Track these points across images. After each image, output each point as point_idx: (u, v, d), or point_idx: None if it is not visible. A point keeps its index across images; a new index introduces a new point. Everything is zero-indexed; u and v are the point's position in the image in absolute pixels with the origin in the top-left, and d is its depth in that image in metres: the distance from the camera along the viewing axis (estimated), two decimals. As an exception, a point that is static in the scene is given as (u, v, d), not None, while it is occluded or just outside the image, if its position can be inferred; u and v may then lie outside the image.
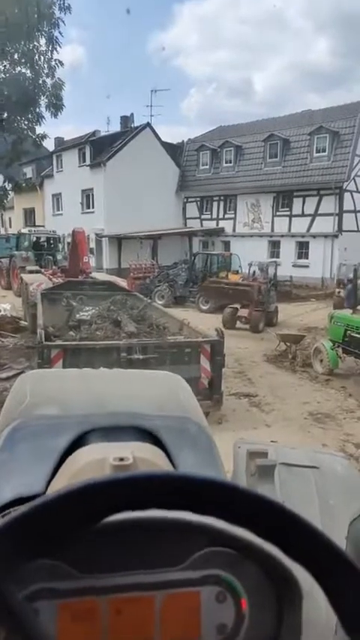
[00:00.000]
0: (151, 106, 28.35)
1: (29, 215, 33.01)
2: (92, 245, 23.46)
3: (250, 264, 17.05)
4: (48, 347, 5.94)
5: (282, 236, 24.14)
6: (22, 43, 11.15)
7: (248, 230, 25.45)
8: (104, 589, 0.57)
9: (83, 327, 7.28)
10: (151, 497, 0.40)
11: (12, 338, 10.52)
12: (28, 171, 30.32)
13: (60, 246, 21.77)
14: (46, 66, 11.53)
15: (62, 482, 0.67)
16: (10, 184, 13.91)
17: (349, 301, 14.47)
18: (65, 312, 8.10)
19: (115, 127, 28.96)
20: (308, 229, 23.21)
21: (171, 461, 0.78)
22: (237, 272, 18.44)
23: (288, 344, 10.32)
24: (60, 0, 10.96)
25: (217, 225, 26.67)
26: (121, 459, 0.62)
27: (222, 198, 26.60)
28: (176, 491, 0.41)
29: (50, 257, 19.98)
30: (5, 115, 11.90)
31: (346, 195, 22.29)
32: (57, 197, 30.50)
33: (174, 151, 28.11)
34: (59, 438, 0.80)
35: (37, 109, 11.86)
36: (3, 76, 11.71)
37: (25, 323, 11.41)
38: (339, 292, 16.91)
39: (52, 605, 0.56)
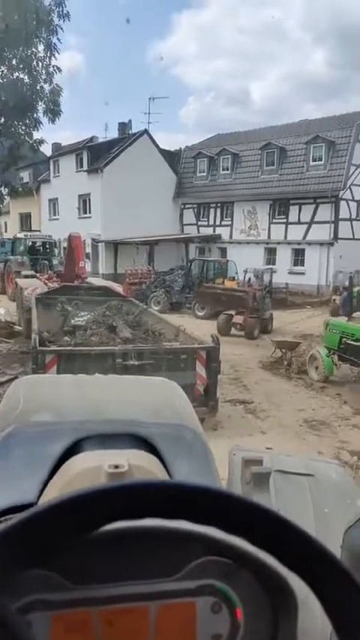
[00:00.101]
0: (149, 113, 28.39)
1: (25, 220, 32.98)
2: (88, 250, 23.46)
3: (246, 271, 17.10)
4: (42, 352, 5.91)
5: (278, 243, 24.24)
6: (21, 48, 11.24)
7: (245, 237, 25.55)
8: (98, 600, 0.56)
9: (78, 333, 7.25)
10: (146, 506, 0.40)
11: (6, 343, 10.45)
12: (25, 175, 30.36)
13: (56, 250, 21.80)
14: (44, 72, 11.64)
15: (56, 490, 0.67)
16: (6, 189, 13.94)
17: (344, 309, 14.57)
18: (60, 317, 8.06)
19: (113, 134, 29.11)
20: (304, 237, 23.32)
21: (166, 468, 0.78)
22: (233, 278, 18.51)
23: (283, 351, 10.33)
24: (59, 7, 11.08)
25: (214, 231, 26.75)
26: (117, 467, 0.62)
27: (219, 205, 26.70)
28: (171, 500, 0.40)
29: (46, 262, 19.94)
30: (3, 119, 11.95)
31: (342, 203, 22.47)
32: (53, 202, 30.50)
33: (171, 157, 28.23)
34: (54, 444, 0.79)
35: (35, 115, 11.95)
36: (1, 81, 11.78)
37: (20, 328, 11.35)
38: (335, 299, 17.01)
39: (45, 617, 0.55)
